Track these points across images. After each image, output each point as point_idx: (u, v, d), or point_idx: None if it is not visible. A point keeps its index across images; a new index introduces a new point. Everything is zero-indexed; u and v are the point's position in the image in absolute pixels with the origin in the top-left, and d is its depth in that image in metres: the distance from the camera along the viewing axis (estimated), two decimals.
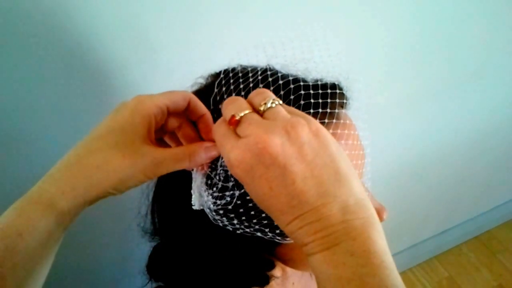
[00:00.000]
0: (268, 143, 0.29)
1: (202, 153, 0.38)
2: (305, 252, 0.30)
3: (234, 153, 0.30)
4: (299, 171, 0.29)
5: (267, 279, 0.46)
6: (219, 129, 0.33)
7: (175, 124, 0.41)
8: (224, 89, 0.40)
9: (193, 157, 0.37)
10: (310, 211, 0.29)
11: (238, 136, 0.31)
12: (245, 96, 0.40)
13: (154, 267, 0.51)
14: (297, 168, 0.29)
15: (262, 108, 0.32)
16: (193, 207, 0.40)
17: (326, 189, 0.29)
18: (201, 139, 0.41)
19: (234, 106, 0.33)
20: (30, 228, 0.31)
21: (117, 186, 0.35)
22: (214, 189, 0.39)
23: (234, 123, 0.32)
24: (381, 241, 0.29)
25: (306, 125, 0.30)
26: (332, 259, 0.29)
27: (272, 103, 0.32)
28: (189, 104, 0.39)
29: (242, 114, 0.32)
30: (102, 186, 0.34)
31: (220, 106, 0.38)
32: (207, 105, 0.40)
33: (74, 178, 0.33)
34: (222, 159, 0.38)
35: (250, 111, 0.32)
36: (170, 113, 0.38)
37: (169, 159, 0.36)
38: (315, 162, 0.29)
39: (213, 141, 0.39)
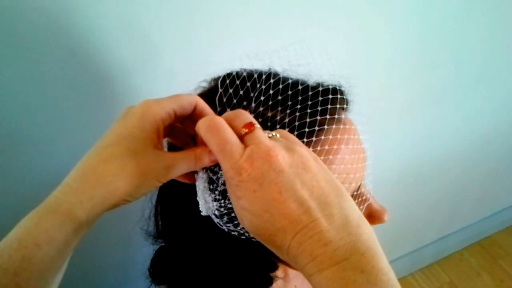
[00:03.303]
0: (279, 152, 0.31)
1: (206, 155, 0.38)
2: (310, 270, 0.29)
3: (243, 160, 0.31)
4: (307, 180, 0.30)
5: (270, 280, 0.46)
6: (221, 135, 0.32)
7: (179, 125, 0.41)
8: (231, 90, 0.40)
9: (199, 159, 0.38)
10: (319, 219, 0.29)
11: (243, 144, 0.32)
12: (251, 99, 0.40)
13: (157, 270, 0.51)
14: (304, 178, 0.30)
15: (267, 134, 0.34)
16: (202, 213, 0.40)
17: (332, 200, 0.30)
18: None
19: (248, 116, 0.34)
20: (48, 239, 0.31)
21: (132, 193, 0.35)
22: (217, 193, 0.39)
23: (250, 129, 0.33)
24: (385, 258, 0.29)
25: (306, 150, 0.32)
26: (342, 276, 0.28)
27: (275, 134, 0.35)
28: (195, 108, 0.39)
29: (258, 126, 0.33)
30: (119, 195, 0.34)
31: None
32: (211, 108, 0.40)
33: (91, 188, 0.33)
34: None
35: (259, 127, 0.34)
36: (177, 117, 0.39)
37: (180, 162, 0.37)
38: (319, 176, 0.31)
39: None
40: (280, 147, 0.31)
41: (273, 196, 0.30)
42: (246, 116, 0.34)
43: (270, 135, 0.34)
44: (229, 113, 0.35)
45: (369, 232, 0.30)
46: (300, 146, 0.33)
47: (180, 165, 0.37)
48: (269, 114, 0.40)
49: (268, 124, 0.39)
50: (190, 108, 0.39)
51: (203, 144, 0.39)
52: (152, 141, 0.36)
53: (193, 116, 0.39)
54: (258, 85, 0.40)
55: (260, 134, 0.32)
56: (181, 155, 0.37)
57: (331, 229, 0.29)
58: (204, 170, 0.40)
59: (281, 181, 0.30)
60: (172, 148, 0.45)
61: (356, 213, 0.30)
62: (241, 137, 0.33)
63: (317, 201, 0.30)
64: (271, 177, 0.30)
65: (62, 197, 0.33)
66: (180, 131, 0.43)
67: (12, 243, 0.31)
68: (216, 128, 0.33)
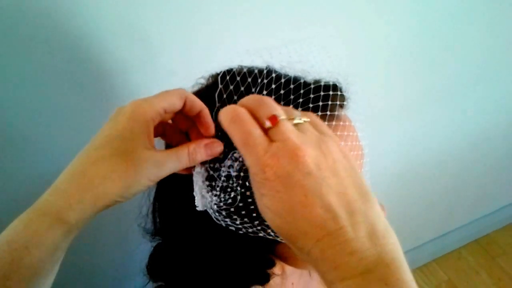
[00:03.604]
0: (306, 151, 0.29)
1: (202, 150, 0.38)
2: (331, 277, 0.28)
3: (268, 156, 0.29)
4: (334, 185, 0.29)
5: (267, 277, 0.46)
6: (244, 127, 0.30)
7: (171, 122, 0.41)
8: (232, 87, 0.40)
9: (192, 156, 0.37)
10: (345, 228, 0.28)
11: (268, 138, 0.30)
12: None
13: (154, 267, 0.51)
14: (332, 182, 0.29)
15: (295, 121, 0.32)
16: (197, 208, 0.40)
17: (358, 207, 0.29)
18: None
19: (272, 106, 0.32)
20: (37, 241, 0.31)
21: (123, 194, 0.35)
22: (217, 189, 0.39)
23: (275, 122, 0.30)
24: (408, 269, 0.28)
25: (336, 145, 0.31)
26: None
27: (303, 120, 0.32)
28: (185, 102, 0.38)
29: (283, 117, 0.31)
30: (109, 196, 0.34)
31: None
32: (209, 104, 0.40)
33: (80, 191, 0.33)
34: (227, 159, 0.38)
35: (286, 117, 0.31)
36: (168, 113, 0.38)
37: (171, 160, 0.37)
38: (347, 180, 0.29)
39: (211, 137, 0.39)
40: (308, 144, 0.29)
41: (298, 198, 0.28)
42: (269, 106, 0.32)
43: (300, 121, 0.32)
44: (250, 99, 0.33)
45: (394, 242, 0.29)
46: (329, 140, 0.31)
47: (171, 163, 0.37)
48: None
49: None
50: (180, 104, 0.38)
51: (196, 139, 0.39)
52: (142, 141, 0.35)
53: (184, 111, 0.39)
54: (259, 80, 0.40)
55: (286, 127, 0.30)
56: (172, 153, 0.37)
57: (356, 238, 0.27)
58: (205, 168, 0.40)
59: (307, 184, 0.28)
60: (169, 147, 0.44)
61: (382, 222, 0.29)
62: (266, 130, 0.31)
63: (344, 208, 0.28)
64: (297, 178, 0.28)
65: (52, 199, 0.33)
66: (172, 129, 0.42)
67: (2, 246, 0.31)
68: (240, 119, 0.31)
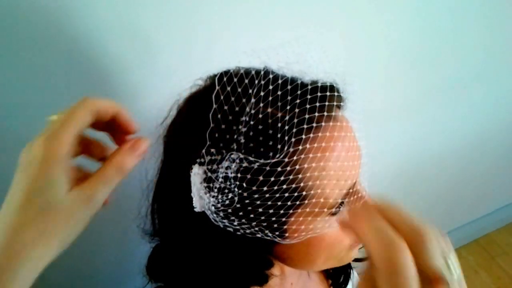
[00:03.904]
0: None
1: (128, 156, 0.35)
2: None
3: None
4: None
5: (266, 278, 0.46)
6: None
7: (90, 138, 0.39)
8: (229, 88, 0.40)
9: (122, 167, 0.35)
10: None
11: None
12: (250, 96, 0.39)
13: (153, 267, 0.51)
14: None
15: (450, 274, 0.28)
16: (195, 210, 0.40)
17: None
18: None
19: (434, 252, 0.27)
20: None
21: (61, 246, 0.32)
22: (215, 190, 0.39)
23: (438, 285, 0.27)
24: None
25: None
26: None
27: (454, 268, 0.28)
28: (97, 112, 0.36)
29: (447, 281, 0.27)
30: (47, 256, 0.31)
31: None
32: (206, 105, 0.39)
33: (13, 263, 0.30)
34: (224, 160, 0.38)
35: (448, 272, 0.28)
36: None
37: (100, 186, 0.34)
38: None
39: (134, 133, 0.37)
40: None
41: None
42: (432, 250, 0.27)
43: (454, 278, 0.28)
44: (412, 230, 0.29)
45: None
46: None
47: (102, 190, 0.34)
48: (269, 110, 0.39)
49: (269, 121, 0.39)
50: (92, 118, 0.35)
51: (120, 144, 0.36)
52: (63, 184, 0.32)
53: (98, 119, 0.37)
54: (257, 81, 0.40)
55: None
56: (99, 177, 0.34)
57: None
58: (202, 169, 0.40)
59: None
60: None
61: None
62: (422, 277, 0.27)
63: None
64: None
65: None
66: (92, 143, 0.40)
67: None
68: (405, 275, 0.26)
